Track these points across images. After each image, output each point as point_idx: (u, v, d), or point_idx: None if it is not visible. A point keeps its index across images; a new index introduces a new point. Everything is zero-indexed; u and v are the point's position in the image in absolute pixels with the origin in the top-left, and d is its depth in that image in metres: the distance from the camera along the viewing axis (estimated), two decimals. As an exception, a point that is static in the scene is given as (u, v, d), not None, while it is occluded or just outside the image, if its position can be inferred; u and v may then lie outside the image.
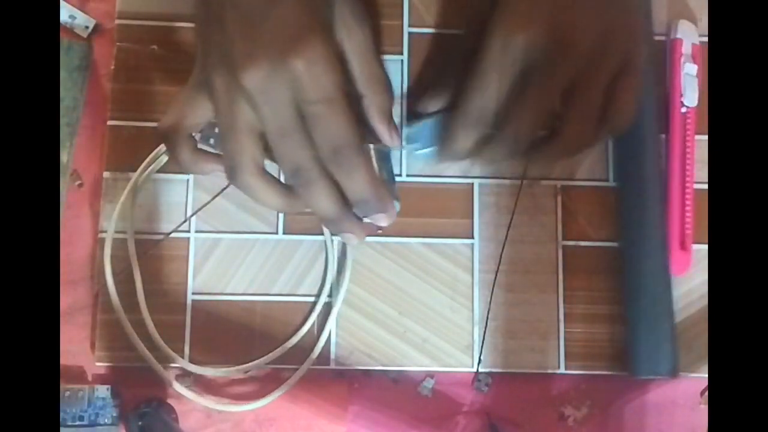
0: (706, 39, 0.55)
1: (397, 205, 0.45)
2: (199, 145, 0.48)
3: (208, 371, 0.50)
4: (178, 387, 0.49)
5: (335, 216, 0.42)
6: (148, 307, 0.50)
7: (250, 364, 0.50)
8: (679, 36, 0.54)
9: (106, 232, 0.51)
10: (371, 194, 0.42)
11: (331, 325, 0.51)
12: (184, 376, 0.50)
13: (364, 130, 0.44)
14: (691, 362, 0.51)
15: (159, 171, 0.52)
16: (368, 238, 0.51)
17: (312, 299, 0.51)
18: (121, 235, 0.51)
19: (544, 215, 0.53)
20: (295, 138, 0.40)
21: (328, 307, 0.51)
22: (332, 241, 0.52)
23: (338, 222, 0.43)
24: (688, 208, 0.52)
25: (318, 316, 0.51)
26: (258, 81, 0.39)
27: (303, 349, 0.51)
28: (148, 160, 0.51)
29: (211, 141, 0.51)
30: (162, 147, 0.51)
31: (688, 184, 0.53)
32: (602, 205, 0.53)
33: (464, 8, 0.54)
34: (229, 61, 0.40)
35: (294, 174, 0.41)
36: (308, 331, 0.51)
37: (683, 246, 0.52)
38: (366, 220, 0.44)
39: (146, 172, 0.52)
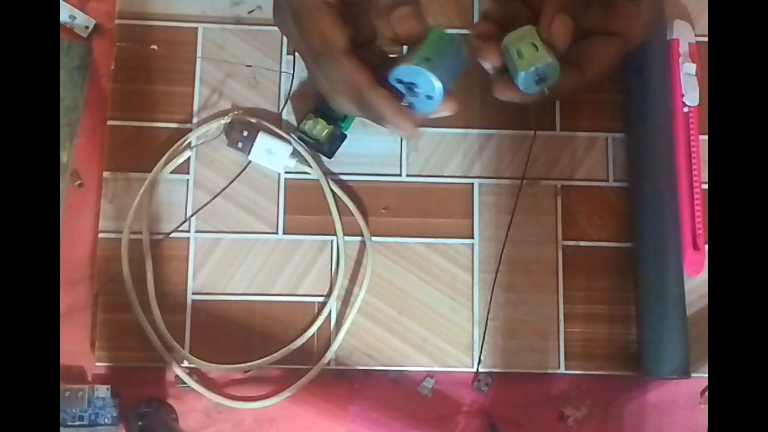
0: (702, 38, 0.55)
1: (439, 91, 0.44)
2: (228, 145, 0.51)
3: (211, 368, 0.50)
4: (182, 376, 0.49)
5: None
6: (147, 306, 0.50)
7: (254, 363, 0.50)
8: (675, 36, 0.54)
9: (112, 231, 0.51)
10: (358, 104, 0.44)
11: (344, 329, 0.51)
12: (186, 373, 0.50)
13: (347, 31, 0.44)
14: (692, 362, 0.51)
15: (172, 171, 0.52)
16: (373, 238, 0.51)
17: (312, 299, 0.51)
18: (115, 235, 0.51)
19: (544, 215, 0.53)
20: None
21: (335, 310, 0.51)
22: (343, 243, 0.52)
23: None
24: (697, 207, 0.52)
25: (324, 318, 0.51)
26: None
27: (305, 350, 0.51)
28: (165, 157, 0.52)
29: (239, 145, 0.51)
30: (178, 145, 0.52)
31: (696, 184, 0.52)
32: (602, 205, 0.53)
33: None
34: None
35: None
36: (310, 332, 0.51)
37: (695, 246, 0.52)
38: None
39: (163, 170, 0.52)
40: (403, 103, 0.44)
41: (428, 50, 0.44)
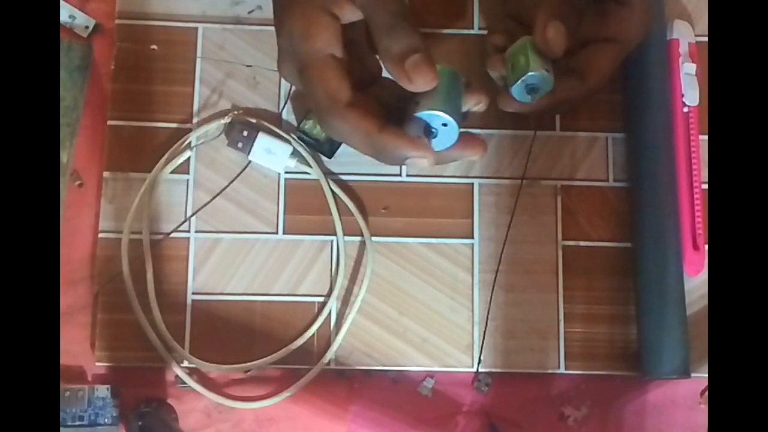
0: (702, 38, 0.55)
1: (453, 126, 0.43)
2: (228, 145, 0.51)
3: (211, 368, 0.50)
4: (182, 376, 0.49)
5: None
6: (147, 306, 0.50)
7: (254, 363, 0.50)
8: (675, 36, 0.54)
9: (112, 231, 0.51)
10: (372, 150, 0.43)
11: (344, 329, 0.51)
12: (186, 373, 0.50)
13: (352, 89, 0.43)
14: (692, 362, 0.51)
15: (172, 172, 0.52)
16: (373, 238, 0.51)
17: (312, 299, 0.51)
18: (115, 235, 0.51)
19: (544, 215, 0.53)
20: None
21: (335, 310, 0.51)
22: (343, 243, 0.52)
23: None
24: (697, 207, 0.52)
25: (324, 318, 0.51)
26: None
27: (305, 350, 0.51)
28: (165, 157, 0.52)
29: (239, 145, 0.51)
30: (178, 145, 0.52)
31: (696, 184, 0.52)
32: (602, 205, 0.53)
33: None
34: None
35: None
36: (311, 332, 0.51)
37: (695, 246, 0.52)
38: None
39: (163, 170, 0.52)
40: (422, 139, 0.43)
41: (446, 91, 0.43)
